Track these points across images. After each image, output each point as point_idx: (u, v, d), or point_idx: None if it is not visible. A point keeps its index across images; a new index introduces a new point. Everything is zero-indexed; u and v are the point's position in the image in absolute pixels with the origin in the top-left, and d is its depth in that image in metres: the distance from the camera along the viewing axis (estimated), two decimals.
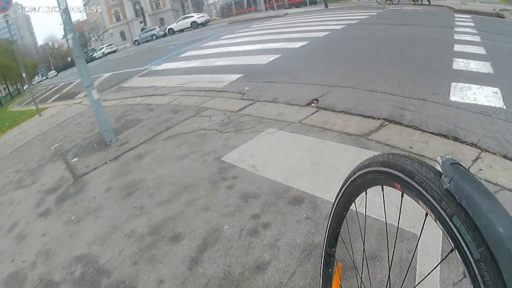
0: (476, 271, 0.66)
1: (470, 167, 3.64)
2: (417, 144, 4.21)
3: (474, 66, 7.37)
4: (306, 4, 43.42)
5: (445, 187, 0.76)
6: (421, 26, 13.75)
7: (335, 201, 1.52)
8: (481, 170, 3.57)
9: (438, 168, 0.84)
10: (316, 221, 3.10)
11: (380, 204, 2.95)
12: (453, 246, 0.75)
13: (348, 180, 1.35)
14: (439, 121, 4.75)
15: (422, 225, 0.90)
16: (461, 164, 0.80)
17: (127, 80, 14.03)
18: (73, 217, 4.24)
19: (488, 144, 4.11)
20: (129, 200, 4.23)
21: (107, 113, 6.85)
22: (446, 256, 0.80)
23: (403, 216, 2.82)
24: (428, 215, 0.82)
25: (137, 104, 8.94)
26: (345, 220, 1.55)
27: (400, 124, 4.78)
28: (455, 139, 4.27)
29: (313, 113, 5.55)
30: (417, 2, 27.54)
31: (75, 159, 6.21)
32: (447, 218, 0.75)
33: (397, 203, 1.03)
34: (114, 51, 58.93)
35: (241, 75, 9.49)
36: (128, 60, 25.44)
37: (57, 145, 7.54)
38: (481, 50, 9.04)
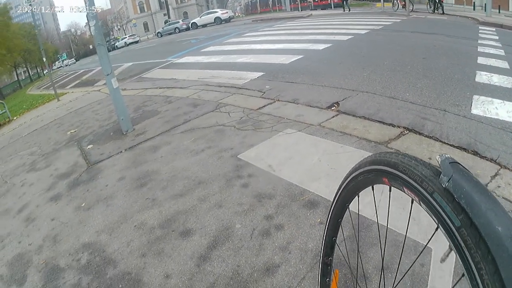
0: (475, 270, 0.66)
1: (488, 183, 3.55)
2: (436, 156, 4.06)
3: (497, 80, 7.25)
4: (331, 7, 43.16)
5: (443, 185, 0.75)
6: (444, 36, 13.59)
7: (330, 208, 1.53)
8: (499, 187, 3.47)
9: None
10: None
11: (392, 212, 2.89)
12: (451, 244, 0.74)
13: (341, 186, 1.37)
14: (459, 134, 4.66)
15: (431, 236, 0.88)
16: (460, 163, 0.79)
17: (148, 71, 14.06)
18: (83, 204, 4.23)
19: (507, 161, 4.00)
20: (142, 191, 4.20)
21: (126, 102, 6.84)
22: (448, 255, 0.77)
23: (417, 228, 2.76)
24: (438, 228, 0.78)
25: (156, 96, 8.93)
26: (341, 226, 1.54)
27: (420, 134, 4.69)
28: (475, 153, 4.18)
29: (333, 116, 5.46)
30: (435, 12, 27.42)
31: (90, 146, 6.21)
32: (474, 268, 0.68)
33: (411, 212, 0.99)
34: (137, 42, 59.11)
35: (262, 73, 9.44)
36: (150, 52, 25.54)
37: (73, 130, 7.55)
38: (505, 65, 8.90)
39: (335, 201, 1.47)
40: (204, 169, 4.39)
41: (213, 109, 6.67)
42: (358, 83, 7.38)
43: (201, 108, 6.88)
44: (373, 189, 1.17)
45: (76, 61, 72.98)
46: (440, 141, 4.49)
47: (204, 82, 9.44)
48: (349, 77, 7.92)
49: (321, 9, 43.87)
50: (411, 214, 1.04)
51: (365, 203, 1.56)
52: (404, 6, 29.68)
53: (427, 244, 2.38)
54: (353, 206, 1.41)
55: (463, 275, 0.70)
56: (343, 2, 36.87)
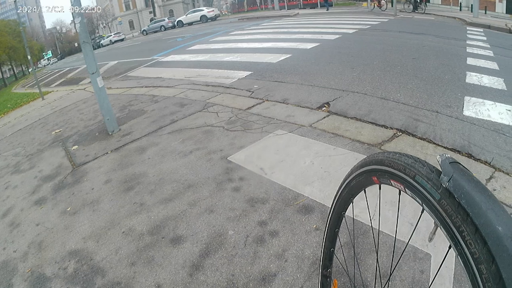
0: (475, 269, 0.67)
1: None
2: (430, 158, 4.04)
3: (487, 81, 7.26)
4: (318, 6, 43.16)
5: (444, 185, 0.77)
6: (433, 36, 13.61)
7: (327, 219, 1.54)
8: (495, 190, 3.44)
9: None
10: None
11: (394, 220, 2.83)
12: (451, 243, 0.76)
13: (336, 195, 1.43)
14: (452, 136, 4.63)
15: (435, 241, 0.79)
16: (460, 163, 0.81)
17: (133, 70, 13.92)
18: (69, 208, 4.11)
19: (501, 163, 4.00)
20: (129, 195, 4.09)
21: (111, 101, 6.73)
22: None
23: (417, 234, 2.68)
24: (438, 228, 0.81)
25: (142, 95, 8.80)
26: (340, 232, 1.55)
27: (414, 135, 4.65)
28: (469, 156, 4.16)
29: (324, 117, 5.39)
30: (415, 11, 27.59)
31: (75, 147, 6.07)
32: (460, 238, 0.73)
33: (411, 220, 0.98)
34: (122, 40, 58.86)
35: (250, 72, 9.36)
36: (135, 50, 25.35)
37: (58, 130, 7.41)
38: (494, 66, 8.94)
39: (331, 211, 1.50)
40: (193, 172, 4.29)
41: (201, 109, 6.57)
42: (348, 83, 7.34)
43: (188, 108, 6.78)
44: (365, 192, 1.24)
45: (60, 59, 72.51)
46: (434, 143, 4.45)
47: (191, 81, 9.33)
48: (339, 77, 7.87)
49: (310, 8, 43.83)
50: (399, 208, 1.18)
51: (360, 209, 1.54)
52: (379, 6, 30.00)
53: (414, 229, 2.33)
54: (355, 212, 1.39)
55: (436, 226, 0.79)
56: (325, 2, 37.18)
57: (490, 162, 4.01)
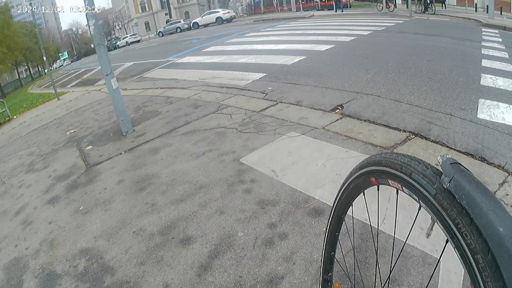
0: (476, 270, 0.67)
1: (496, 191, 3.47)
2: (437, 156, 3.98)
3: (502, 83, 7.17)
4: (333, 8, 42.96)
5: (445, 186, 0.76)
6: (448, 38, 13.49)
7: (328, 222, 1.55)
8: (507, 195, 3.39)
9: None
10: None
11: (400, 223, 2.80)
12: (452, 244, 0.75)
13: (336, 198, 1.43)
14: (466, 139, 4.58)
15: (442, 250, 0.87)
16: (461, 163, 0.80)
17: (148, 71, 13.98)
18: (81, 207, 4.14)
19: None
20: (141, 195, 4.11)
21: (126, 102, 6.77)
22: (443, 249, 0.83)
23: (427, 240, 2.65)
24: (448, 240, 0.78)
25: (157, 96, 8.84)
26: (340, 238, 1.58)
27: (427, 139, 4.60)
28: (482, 159, 4.10)
29: (337, 119, 5.36)
30: (426, 12, 27.45)
31: (89, 147, 6.12)
32: (447, 217, 0.75)
33: (421, 224, 1.02)
34: (138, 41, 59.03)
35: (264, 74, 9.35)
36: (151, 51, 25.45)
37: (73, 131, 7.47)
38: (509, 67, 8.82)
39: (331, 215, 1.50)
40: (205, 173, 4.29)
41: (215, 111, 6.58)
42: (362, 85, 7.29)
43: (202, 110, 6.80)
44: (364, 195, 1.25)
45: (76, 60, 72.73)
46: (447, 146, 4.41)
47: (205, 83, 9.36)
48: (353, 79, 7.84)
49: (328, 9, 43.59)
50: (397, 206, 1.21)
51: (363, 211, 1.53)
52: (388, 7, 29.94)
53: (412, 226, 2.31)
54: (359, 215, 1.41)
55: (433, 222, 0.80)
56: (335, 3, 37.13)
57: (503, 166, 3.94)
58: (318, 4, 46.75)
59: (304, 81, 8.14)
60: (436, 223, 0.81)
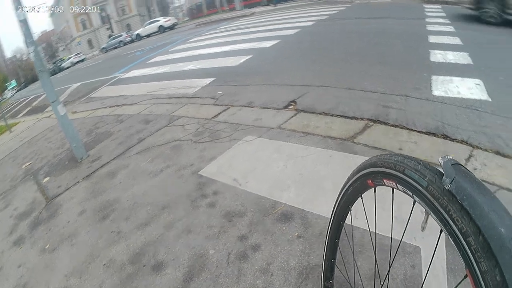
0: (478, 271, 0.68)
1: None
2: (406, 145, 3.99)
3: (452, 57, 7.24)
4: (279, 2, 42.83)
5: (446, 187, 0.78)
6: (392, 19, 13.65)
7: (328, 229, 1.59)
8: (475, 169, 3.42)
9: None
10: (310, 239, 2.85)
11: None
12: (445, 231, 0.78)
13: (335, 205, 1.49)
14: (425, 119, 4.56)
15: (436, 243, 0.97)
16: (462, 165, 0.82)
17: (96, 90, 13.61)
18: (47, 245, 3.91)
19: (479, 140, 3.94)
20: (105, 224, 3.91)
21: (77, 126, 6.62)
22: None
23: (402, 228, 2.61)
24: (441, 230, 0.82)
25: (107, 116, 8.58)
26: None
27: (386, 123, 4.56)
28: (445, 137, 4.09)
29: (292, 116, 5.28)
30: None
31: (46, 179, 5.84)
32: (439, 206, 0.78)
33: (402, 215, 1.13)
34: (83, 60, 58.24)
35: (212, 79, 9.18)
36: (96, 69, 25.03)
37: (28, 163, 7.16)
38: (456, 41, 8.93)
39: (330, 221, 1.55)
40: (166, 192, 4.12)
41: (167, 124, 6.39)
42: (312, 77, 7.23)
43: (154, 124, 6.60)
44: (362, 199, 1.29)
45: (22, 88, 71.19)
46: (407, 128, 4.38)
47: (154, 95, 9.14)
48: (302, 72, 7.79)
49: (274, 4, 43.49)
50: (393, 206, 1.26)
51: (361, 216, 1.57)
52: None
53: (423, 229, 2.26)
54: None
55: (465, 276, 0.74)
56: None
57: (467, 141, 3.96)
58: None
59: (253, 80, 8.04)
60: (429, 215, 0.85)
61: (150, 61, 16.74)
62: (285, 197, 3.45)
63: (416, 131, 4.27)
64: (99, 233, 3.76)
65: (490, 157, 3.63)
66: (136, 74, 14.20)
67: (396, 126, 4.45)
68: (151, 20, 53.45)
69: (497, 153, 3.71)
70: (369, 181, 1.14)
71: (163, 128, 6.21)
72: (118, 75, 15.59)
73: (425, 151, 3.83)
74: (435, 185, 0.81)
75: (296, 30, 14.28)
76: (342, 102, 5.48)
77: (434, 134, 4.15)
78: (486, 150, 3.76)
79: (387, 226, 1.54)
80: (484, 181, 3.17)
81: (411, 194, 0.91)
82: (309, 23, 15.73)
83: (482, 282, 0.67)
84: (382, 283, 1.43)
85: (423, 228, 0.94)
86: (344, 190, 1.36)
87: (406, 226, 1.13)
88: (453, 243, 0.75)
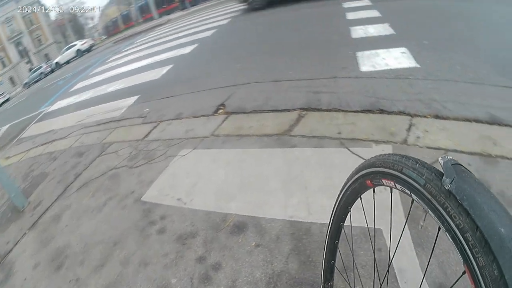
0: (478, 271, 0.67)
1: (406, 137, 3.51)
2: (344, 128, 3.96)
3: (373, 30, 7.33)
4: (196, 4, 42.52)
5: (446, 187, 0.77)
6: (306, 3, 13.70)
7: (327, 231, 1.56)
8: (419, 138, 3.45)
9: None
10: (268, 246, 2.76)
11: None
12: (443, 228, 0.78)
13: (334, 206, 1.48)
14: (358, 97, 4.55)
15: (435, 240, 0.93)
16: (462, 164, 0.81)
17: (25, 129, 12.94)
18: None
19: (415, 108, 3.98)
20: (61, 273, 3.67)
21: (12, 173, 6.33)
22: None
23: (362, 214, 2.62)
24: (440, 227, 0.81)
25: (40, 155, 8.14)
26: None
27: (319, 110, 4.51)
28: (381, 111, 4.10)
29: (223, 120, 5.16)
30: None
31: None
32: (445, 215, 0.76)
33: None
34: (8, 100, 56.36)
35: (137, 96, 8.90)
36: (22, 106, 24.20)
37: None
38: (374, 13, 9.08)
39: (330, 223, 1.53)
40: (114, 226, 3.91)
41: (100, 153, 6.12)
42: (236, 76, 7.14)
43: (87, 156, 6.31)
44: (361, 199, 1.30)
45: None
46: (342, 110, 4.36)
47: (82, 125, 8.76)
48: (226, 73, 7.68)
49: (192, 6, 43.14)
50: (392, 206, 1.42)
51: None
52: None
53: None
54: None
55: (463, 272, 0.74)
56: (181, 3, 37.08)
57: (404, 111, 3.98)
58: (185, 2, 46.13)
59: (178, 90, 7.84)
60: (427, 213, 0.84)
61: (72, 88, 16.21)
62: (233, 207, 3.34)
63: (351, 111, 4.25)
64: (58, 284, 3.53)
65: (430, 122, 3.67)
66: (61, 105, 13.68)
67: (330, 110, 4.42)
68: (68, 46, 52.26)
69: (436, 117, 3.76)
70: (368, 182, 1.14)
71: (97, 159, 5.95)
72: (44, 109, 15.00)
73: (364, 130, 3.81)
74: (432, 183, 0.81)
75: (213, 31, 14.21)
76: (271, 96, 5.40)
77: (370, 111, 4.15)
78: (424, 116, 3.79)
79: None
80: (430, 147, 3.28)
81: (409, 193, 0.91)
82: (225, 21, 15.71)
83: (480, 278, 0.67)
84: (381, 283, 1.41)
85: (421, 226, 1.06)
86: (343, 191, 1.36)
87: (405, 224, 1.10)
88: (450, 239, 0.75)
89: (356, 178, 1.21)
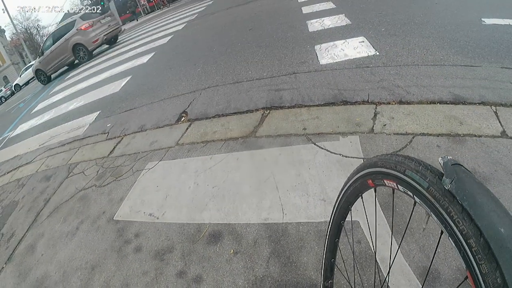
0: (478, 271, 0.67)
1: (373, 126, 3.52)
2: (309, 123, 3.95)
3: (330, 22, 7.36)
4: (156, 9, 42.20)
5: (446, 188, 0.77)
6: (260, 1, 13.71)
7: (327, 229, 1.54)
8: (385, 125, 3.46)
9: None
10: (247, 252, 2.73)
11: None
12: (446, 233, 0.76)
13: (335, 205, 1.43)
14: (320, 90, 4.55)
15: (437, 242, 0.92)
16: (463, 164, 0.79)
17: None
18: None
19: (379, 96, 4.01)
20: None
21: None
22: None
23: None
24: (442, 231, 0.79)
25: (8, 184, 7.91)
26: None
27: (282, 107, 4.51)
28: (345, 102, 4.12)
29: (187, 128, 5.10)
30: None
31: None
32: (449, 219, 0.75)
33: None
34: None
35: (98, 112, 8.74)
36: None
37: None
38: (329, 5, 9.14)
39: (330, 221, 1.50)
40: (89, 250, 3.82)
41: (67, 175, 5.97)
42: (196, 81, 7.08)
43: (55, 179, 6.15)
44: (362, 198, 1.27)
45: None
46: (306, 106, 4.36)
47: (47, 147, 8.55)
48: (185, 79, 7.60)
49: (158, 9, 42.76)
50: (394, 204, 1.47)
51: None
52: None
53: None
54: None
55: (465, 278, 0.73)
56: (133, 13, 36.87)
57: (368, 100, 4.00)
58: (146, 7, 45.57)
59: (139, 102, 7.72)
60: (430, 216, 0.82)
61: (34, 110, 15.83)
62: (206, 216, 3.30)
63: (315, 105, 4.26)
64: None
65: (395, 109, 3.69)
66: (24, 129, 13.35)
67: (293, 107, 4.41)
68: (27, 66, 51.38)
69: (401, 102, 3.79)
70: (369, 181, 1.12)
71: (65, 181, 5.81)
72: (7, 135, 14.60)
73: (330, 123, 3.81)
74: (436, 187, 0.79)
75: (169, 37, 14.11)
76: (233, 99, 5.36)
77: (334, 104, 4.16)
78: (389, 103, 3.81)
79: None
80: (397, 133, 3.31)
81: (412, 195, 0.89)
82: (180, 27, 15.64)
83: (483, 284, 0.66)
84: (382, 284, 1.47)
85: (424, 229, 1.03)
86: (344, 189, 1.33)
87: (407, 225, 1.07)
88: (453, 244, 0.73)
89: (357, 178, 1.20)
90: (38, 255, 4.40)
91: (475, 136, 3.13)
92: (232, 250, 2.81)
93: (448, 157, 0.81)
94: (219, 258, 2.79)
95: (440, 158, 0.82)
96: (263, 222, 2.90)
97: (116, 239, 3.71)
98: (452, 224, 0.73)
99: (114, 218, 4.03)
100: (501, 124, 3.25)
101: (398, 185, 0.94)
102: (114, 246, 3.62)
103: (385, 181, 1.01)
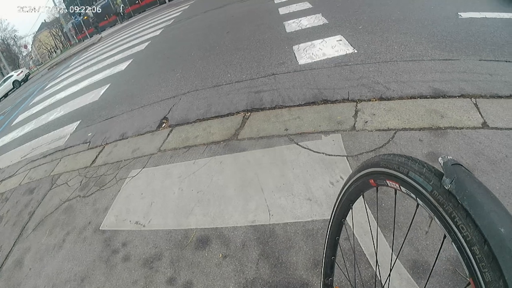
0: (478, 271, 0.66)
1: (354, 123, 3.52)
2: (291, 123, 3.94)
3: (307, 22, 7.39)
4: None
5: (446, 188, 0.76)
6: (237, 3, 13.68)
7: (328, 227, 1.54)
8: (366, 122, 3.47)
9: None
10: (236, 255, 2.72)
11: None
12: (449, 238, 0.75)
13: (336, 203, 1.43)
14: (300, 90, 4.56)
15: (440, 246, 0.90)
16: (462, 164, 0.77)
17: None
18: None
19: (359, 93, 4.02)
20: None
21: None
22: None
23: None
24: (445, 236, 0.77)
25: None
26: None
27: (263, 109, 4.50)
28: (325, 101, 4.12)
29: (169, 134, 5.06)
30: None
31: None
32: (444, 212, 0.76)
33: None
34: None
35: (78, 122, 8.63)
36: None
37: None
38: (306, 5, 9.17)
39: (331, 219, 1.50)
40: (77, 261, 3.75)
41: (50, 187, 5.88)
42: (176, 87, 7.04)
43: (39, 191, 6.04)
44: (363, 197, 1.26)
45: None
46: (286, 106, 4.37)
47: (29, 159, 8.40)
48: (164, 85, 7.56)
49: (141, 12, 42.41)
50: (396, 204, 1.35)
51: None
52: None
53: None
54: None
55: (468, 284, 0.71)
56: (118, 14, 36.57)
57: (348, 98, 4.00)
58: (121, 15, 44.98)
59: (119, 110, 7.65)
60: (433, 219, 0.81)
61: (14, 122, 15.58)
62: (193, 221, 3.27)
63: (295, 106, 4.26)
64: None
65: (376, 105, 3.70)
66: (5, 142, 13.10)
67: (274, 108, 4.41)
68: (4, 78, 50.68)
69: (381, 99, 3.81)
70: (371, 181, 1.11)
71: (48, 193, 5.71)
72: None
73: (311, 122, 3.81)
74: (440, 190, 0.78)
75: (146, 43, 14.04)
76: (213, 102, 5.34)
77: (314, 103, 4.17)
78: (369, 100, 3.83)
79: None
80: (379, 129, 3.33)
81: (414, 197, 0.87)
82: (157, 32, 15.60)
83: (479, 274, 0.66)
84: (383, 284, 1.43)
85: (426, 232, 1.03)
86: (345, 188, 1.32)
87: (410, 226, 1.08)
88: (456, 250, 0.72)
89: (359, 176, 1.18)
90: (26, 270, 4.32)
91: (457, 128, 3.15)
92: (221, 254, 2.78)
93: (448, 157, 0.80)
94: (208, 263, 2.77)
95: (440, 158, 0.81)
96: (250, 225, 2.88)
97: (103, 249, 3.65)
98: (456, 230, 0.72)
99: (100, 228, 3.97)
100: (481, 115, 3.28)
101: (401, 187, 0.93)
102: (102, 257, 3.56)
103: (387, 181, 1.00)
